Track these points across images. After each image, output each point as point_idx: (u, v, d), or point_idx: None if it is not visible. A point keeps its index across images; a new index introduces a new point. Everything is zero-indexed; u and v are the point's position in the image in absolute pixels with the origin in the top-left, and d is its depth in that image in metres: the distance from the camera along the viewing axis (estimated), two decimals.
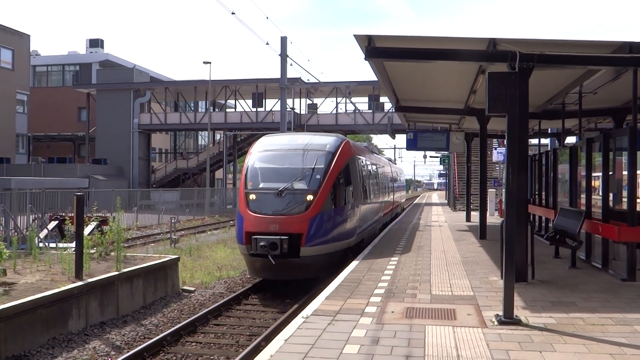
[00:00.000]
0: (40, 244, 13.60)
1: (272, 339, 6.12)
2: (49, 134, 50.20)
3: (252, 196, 11.98)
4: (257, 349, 7.23)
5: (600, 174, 10.25)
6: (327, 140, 13.38)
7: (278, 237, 11.06)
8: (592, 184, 10.81)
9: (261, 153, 13.17)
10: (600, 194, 10.17)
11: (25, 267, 11.27)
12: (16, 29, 39.96)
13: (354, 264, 11.11)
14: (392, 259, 11.72)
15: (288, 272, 11.61)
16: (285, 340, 5.94)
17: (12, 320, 8.24)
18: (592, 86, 11.91)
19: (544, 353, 5.46)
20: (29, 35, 42.20)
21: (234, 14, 18.53)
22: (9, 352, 8.13)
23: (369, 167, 17.49)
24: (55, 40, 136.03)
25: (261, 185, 12.26)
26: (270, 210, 11.72)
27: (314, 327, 6.39)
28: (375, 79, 14.34)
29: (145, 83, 48.26)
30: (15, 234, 14.65)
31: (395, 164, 43.18)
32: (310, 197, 11.70)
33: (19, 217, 15.83)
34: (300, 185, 11.98)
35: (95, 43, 56.83)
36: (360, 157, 15.42)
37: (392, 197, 26.13)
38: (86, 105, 48.60)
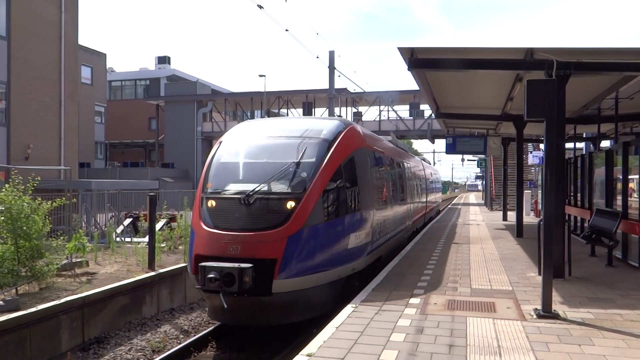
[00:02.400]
0: (117, 239, 14.08)
1: (324, 326, 6.12)
2: (124, 141, 51.92)
3: (211, 203, 7.97)
4: (310, 336, 7.24)
5: (636, 176, 9.82)
6: (323, 125, 9.06)
7: (236, 265, 7.01)
8: (629, 185, 10.36)
9: (231, 143, 9.01)
10: (637, 195, 9.74)
11: (105, 259, 11.71)
12: (94, 49, 41.53)
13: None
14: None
15: (254, 317, 7.54)
16: (337, 327, 5.94)
17: (94, 306, 8.57)
18: (628, 92, 11.43)
19: (583, 346, 5.26)
20: (105, 54, 43.76)
21: (288, 30, 18.71)
22: (92, 335, 8.46)
23: (391, 164, 12.89)
24: (128, 58, 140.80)
25: (223, 188, 8.21)
26: (231, 224, 7.60)
27: (363, 316, 6.37)
28: (416, 88, 14.20)
29: (207, 95, 49.30)
30: (96, 229, 15.23)
31: (430, 163, 38.40)
32: (291, 204, 7.55)
33: (99, 215, 16.45)
34: (277, 186, 7.84)
35: (163, 60, 58.48)
36: (375, 149, 10.73)
37: (424, 199, 20.99)
38: (155, 115, 50.02)
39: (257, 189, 7.72)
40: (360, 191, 8.91)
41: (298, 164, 8.03)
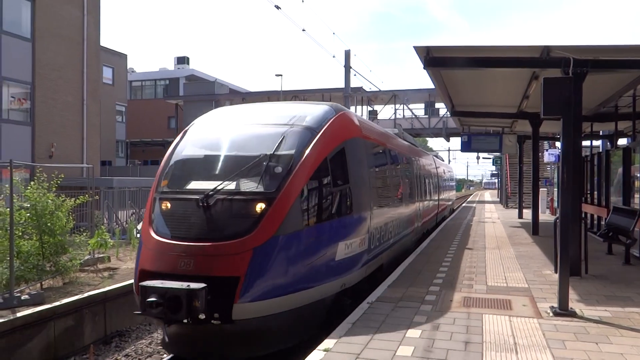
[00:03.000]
0: (138, 235, 14.21)
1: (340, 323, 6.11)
2: (144, 139, 52.43)
3: (165, 205, 6.46)
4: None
5: None
6: (308, 111, 7.39)
7: (185, 285, 5.46)
8: None
9: (198, 132, 7.43)
10: None
11: (126, 255, 11.84)
12: (115, 50, 41.99)
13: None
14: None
15: (211, 349, 5.96)
16: (353, 323, 5.93)
17: (116, 301, 8.68)
18: None
19: (600, 344, 5.18)
20: (126, 55, 44.19)
21: (304, 30, 18.70)
22: (114, 328, 8.57)
23: (396, 159, 11.28)
24: (148, 58, 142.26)
25: (181, 186, 6.63)
26: (184, 232, 6.08)
27: (379, 312, 6.34)
28: (431, 86, 14.09)
29: (225, 94, 49.53)
30: (117, 226, 15.40)
31: (443, 160, 35.69)
32: (260, 207, 6.00)
33: (120, 212, 16.64)
34: (245, 184, 6.29)
35: (182, 60, 59.00)
36: (374, 141, 9.22)
37: (436, 198, 19.14)
38: (175, 114, 50.45)
39: (218, 188, 6.16)
40: (353, 190, 7.33)
41: (272, 156, 6.42)
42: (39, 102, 19.96)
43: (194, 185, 6.48)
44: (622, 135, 18.37)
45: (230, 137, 7.08)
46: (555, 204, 23.33)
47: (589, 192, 16.04)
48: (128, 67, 47.90)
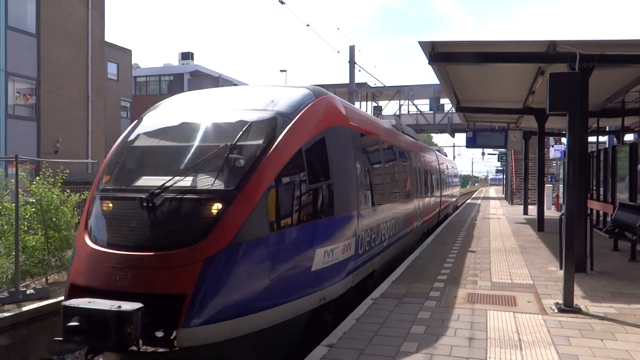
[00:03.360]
0: None
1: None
2: None
3: (106, 205, 5.47)
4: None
5: None
6: (283, 94, 6.35)
7: (115, 306, 4.39)
8: None
9: (153, 121, 6.37)
10: None
11: None
12: (120, 46, 42.04)
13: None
14: None
15: None
16: (357, 319, 5.93)
17: None
18: None
19: (605, 341, 5.16)
20: (131, 51, 44.19)
21: (309, 25, 18.67)
22: None
23: (392, 153, 10.38)
24: (152, 54, 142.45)
25: (125, 183, 5.64)
26: (123, 239, 5.06)
27: (383, 308, 6.34)
28: (436, 81, 14.03)
29: None
30: None
31: (446, 155, 33.17)
32: (216, 207, 4.97)
33: None
34: (200, 180, 5.27)
35: (187, 56, 58.93)
36: (364, 131, 8.09)
37: (438, 194, 18.04)
38: None
39: (166, 185, 5.11)
40: (337, 186, 6.33)
41: (234, 147, 5.35)
42: (44, 97, 20.03)
43: (139, 181, 5.49)
44: (629, 131, 18.30)
45: (189, 124, 6.00)
46: (561, 200, 23.25)
47: (595, 188, 15.98)
48: (133, 62, 47.91)
